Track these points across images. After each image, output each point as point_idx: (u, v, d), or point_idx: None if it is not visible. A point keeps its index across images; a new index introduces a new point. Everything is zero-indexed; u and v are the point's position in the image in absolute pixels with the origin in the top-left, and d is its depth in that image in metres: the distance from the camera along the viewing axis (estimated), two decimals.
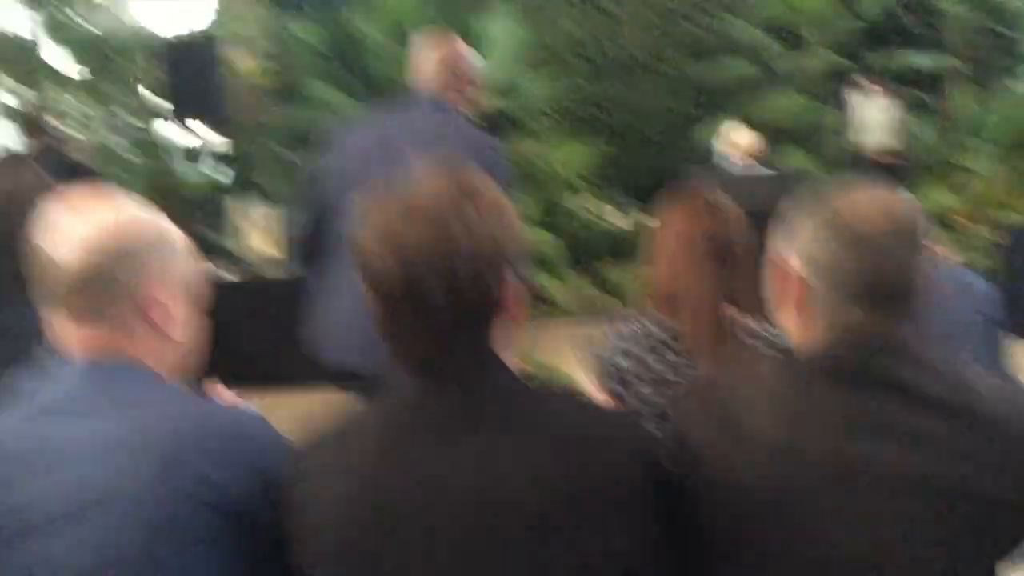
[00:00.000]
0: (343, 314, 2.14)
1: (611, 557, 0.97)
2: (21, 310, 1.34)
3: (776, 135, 7.13)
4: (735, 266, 1.72)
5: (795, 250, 1.11)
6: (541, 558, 0.95)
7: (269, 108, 7.33)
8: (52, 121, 5.05)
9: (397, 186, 1.02)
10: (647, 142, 7.72)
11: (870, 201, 1.08)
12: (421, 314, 0.98)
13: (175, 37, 6.08)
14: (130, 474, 1.00)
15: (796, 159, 6.97)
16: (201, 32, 5.97)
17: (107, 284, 1.07)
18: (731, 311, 1.71)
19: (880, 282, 1.05)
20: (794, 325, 1.14)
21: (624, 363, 1.74)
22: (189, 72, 5.38)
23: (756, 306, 1.62)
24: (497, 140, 2.47)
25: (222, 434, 1.08)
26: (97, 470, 1.00)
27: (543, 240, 6.50)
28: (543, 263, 6.35)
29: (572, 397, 1.11)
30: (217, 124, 5.95)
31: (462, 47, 2.46)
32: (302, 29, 7.08)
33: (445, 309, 0.97)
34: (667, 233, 1.78)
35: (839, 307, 1.07)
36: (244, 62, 7.13)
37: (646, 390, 1.72)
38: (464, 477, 0.97)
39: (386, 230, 0.98)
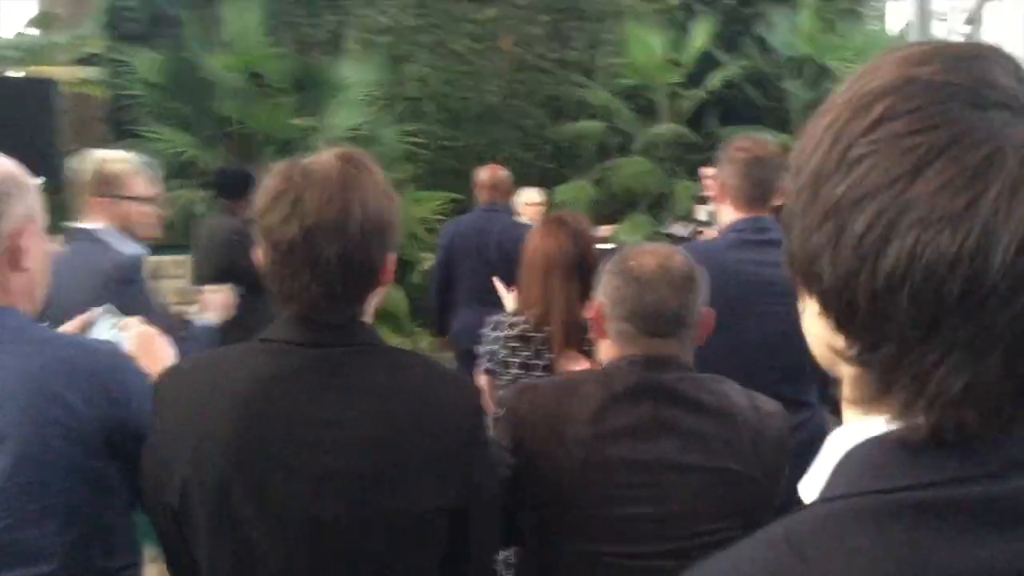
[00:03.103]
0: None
1: (435, 500, 1.16)
2: None
3: (628, 200, 7.79)
4: (590, 276, 2.21)
5: (600, 291, 1.52)
6: (370, 503, 1.13)
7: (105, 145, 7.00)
8: None
9: (300, 161, 1.19)
10: None
11: (651, 253, 1.48)
12: (315, 268, 1.14)
13: None
14: (7, 413, 1.16)
15: (643, 225, 7.46)
16: (36, 77, 5.74)
17: None
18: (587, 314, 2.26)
19: (653, 312, 1.42)
20: (602, 349, 1.56)
21: (500, 352, 2.43)
22: (15, 123, 4.71)
23: None
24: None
25: (84, 369, 1.23)
26: None
27: (390, 296, 6.49)
28: (387, 318, 6.42)
29: (419, 357, 1.29)
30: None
31: (503, 170, 4.50)
32: (143, 61, 6.97)
33: (336, 266, 1.14)
34: (536, 253, 2.38)
35: (624, 331, 1.47)
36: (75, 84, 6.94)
37: (515, 374, 2.37)
38: (317, 421, 1.13)
39: (287, 193, 1.14)
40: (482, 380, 2.59)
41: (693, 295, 1.47)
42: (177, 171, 6.99)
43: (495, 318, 2.53)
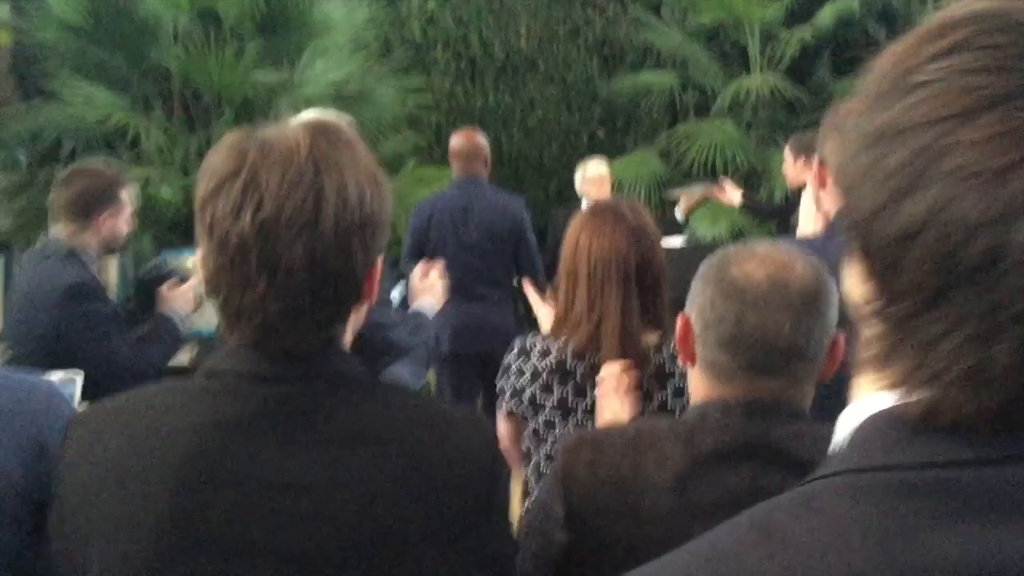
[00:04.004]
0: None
1: None
2: None
3: (707, 177, 6.71)
4: (655, 288, 2.05)
5: (690, 302, 1.38)
6: None
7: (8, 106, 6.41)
8: None
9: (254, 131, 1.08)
10: (537, 171, 7.27)
11: (762, 258, 1.32)
12: (274, 276, 1.02)
13: None
14: None
15: (726, 211, 6.27)
16: None
17: None
18: (651, 337, 2.04)
19: (759, 341, 1.31)
20: (692, 381, 1.44)
21: (529, 387, 2.09)
22: None
23: (670, 328, 2.14)
24: (521, 198, 4.39)
25: (8, 411, 1.25)
26: None
27: None
28: None
29: (417, 394, 1.29)
30: None
31: (480, 136, 4.37)
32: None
33: (302, 274, 1.01)
34: (586, 255, 2.05)
35: (717, 363, 1.34)
36: None
37: (550, 415, 2.07)
38: (280, 484, 1.03)
39: (238, 174, 1.01)
40: (503, 426, 2.24)
41: (818, 319, 1.28)
42: (102, 142, 6.39)
43: (521, 341, 2.17)
